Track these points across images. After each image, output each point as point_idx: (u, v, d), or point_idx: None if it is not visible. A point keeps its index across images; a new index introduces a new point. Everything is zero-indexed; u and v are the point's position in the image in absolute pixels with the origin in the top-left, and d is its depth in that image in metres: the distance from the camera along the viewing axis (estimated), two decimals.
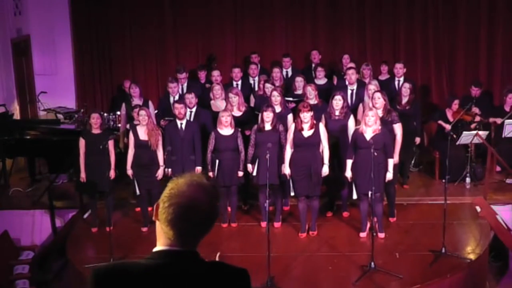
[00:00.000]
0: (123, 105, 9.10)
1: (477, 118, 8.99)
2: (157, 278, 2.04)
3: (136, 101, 8.95)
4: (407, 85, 8.80)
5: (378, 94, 7.81)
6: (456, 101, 9.06)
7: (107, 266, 2.09)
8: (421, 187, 9.09)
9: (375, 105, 7.76)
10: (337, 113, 7.84)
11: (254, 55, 10.33)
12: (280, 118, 7.89)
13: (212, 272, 2.12)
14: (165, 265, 2.06)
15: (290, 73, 10.03)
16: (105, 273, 2.04)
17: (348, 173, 7.43)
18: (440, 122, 9.07)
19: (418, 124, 8.94)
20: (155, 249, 2.12)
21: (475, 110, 9.21)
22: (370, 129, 7.26)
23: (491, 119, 9.23)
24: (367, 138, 7.22)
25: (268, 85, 8.73)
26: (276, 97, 8.10)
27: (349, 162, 7.42)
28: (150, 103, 9.07)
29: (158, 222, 2.10)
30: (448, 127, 8.88)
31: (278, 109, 8.10)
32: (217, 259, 2.38)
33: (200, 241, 2.12)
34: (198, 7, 11.35)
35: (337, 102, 7.79)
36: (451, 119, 8.98)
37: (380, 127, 7.28)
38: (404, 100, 8.71)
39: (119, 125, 9.29)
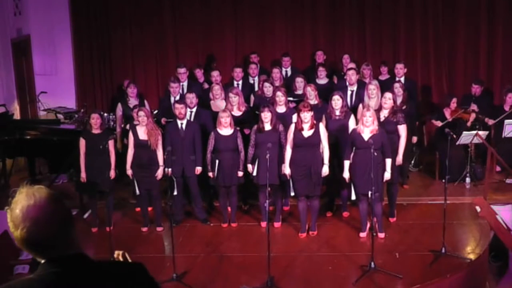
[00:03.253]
0: (119, 105, 9.11)
1: (473, 116, 8.98)
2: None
3: (133, 101, 8.96)
4: (397, 84, 8.80)
5: (389, 95, 7.80)
6: (454, 100, 9.06)
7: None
8: (421, 187, 9.10)
9: (384, 105, 7.76)
10: (337, 113, 7.84)
11: (254, 55, 10.34)
12: (284, 118, 7.89)
13: (106, 271, 2.06)
14: (57, 274, 1.95)
15: (289, 73, 10.03)
16: None
17: (346, 174, 7.43)
18: (433, 121, 9.08)
19: (414, 123, 8.92)
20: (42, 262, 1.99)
21: (473, 107, 9.21)
22: (367, 129, 7.27)
23: (486, 119, 9.23)
24: (365, 138, 7.22)
25: (267, 84, 8.73)
26: (280, 97, 8.11)
27: (346, 163, 7.42)
28: (146, 102, 9.08)
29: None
30: (439, 123, 8.89)
31: (282, 109, 8.11)
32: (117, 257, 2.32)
33: (66, 242, 1.99)
34: (198, 7, 11.35)
35: (336, 102, 7.79)
36: (449, 118, 8.99)
37: (377, 127, 7.28)
38: (399, 99, 8.71)
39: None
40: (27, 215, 1.89)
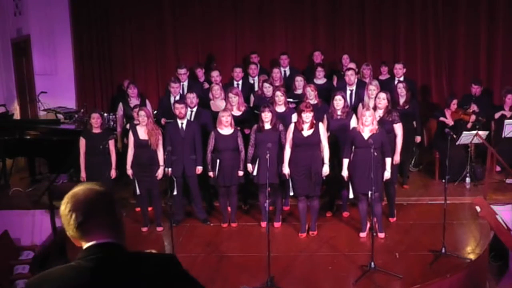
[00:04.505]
0: (120, 105, 9.11)
1: (473, 117, 8.97)
2: (88, 276, 2.09)
3: (134, 101, 8.96)
4: (401, 84, 8.82)
5: (383, 95, 7.81)
6: (455, 101, 9.06)
7: (39, 276, 2.14)
8: (421, 187, 9.10)
9: (378, 105, 7.77)
10: (339, 112, 7.85)
11: (254, 55, 10.34)
12: (283, 118, 7.89)
13: (139, 262, 2.16)
14: (96, 260, 2.11)
15: (288, 72, 10.03)
16: (37, 283, 2.11)
17: (345, 172, 7.43)
18: (442, 118, 9.06)
19: (418, 123, 8.94)
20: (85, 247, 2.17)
21: (473, 107, 9.22)
22: (367, 128, 7.27)
23: (497, 114, 9.19)
24: (364, 137, 7.23)
25: (266, 84, 8.74)
26: (279, 97, 8.11)
27: (345, 162, 7.42)
28: (147, 102, 9.09)
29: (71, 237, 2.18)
30: (450, 122, 8.88)
31: (282, 108, 8.11)
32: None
33: (110, 232, 2.16)
34: (198, 7, 11.35)
35: (338, 102, 7.80)
36: (449, 118, 8.99)
37: (377, 127, 7.29)
38: (402, 99, 8.72)
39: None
40: (76, 206, 2.13)
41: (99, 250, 2.12)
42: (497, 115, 9.25)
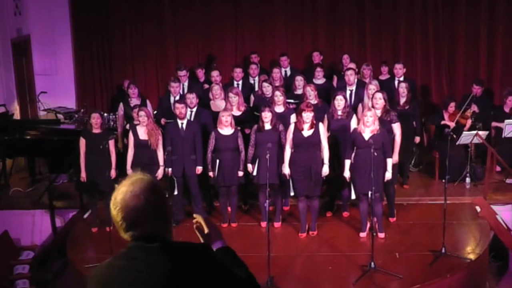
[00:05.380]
0: (121, 105, 9.11)
1: (469, 122, 8.93)
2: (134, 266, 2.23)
3: (135, 101, 8.96)
4: (403, 84, 8.81)
5: (379, 95, 7.81)
6: (452, 104, 9.04)
7: (101, 265, 2.31)
8: (421, 187, 9.09)
9: (375, 105, 7.77)
10: (339, 113, 7.85)
11: (254, 55, 10.34)
12: (282, 118, 7.89)
13: (178, 251, 2.27)
14: (141, 248, 2.24)
15: (289, 73, 10.03)
16: (99, 272, 2.28)
17: (347, 173, 7.44)
18: (444, 122, 9.04)
19: (417, 123, 8.94)
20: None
21: (474, 108, 9.21)
22: (368, 129, 7.27)
23: (494, 124, 9.21)
24: (365, 138, 7.23)
25: (265, 84, 8.74)
26: (278, 97, 8.11)
27: (347, 162, 7.42)
28: (148, 102, 9.09)
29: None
30: (452, 124, 8.87)
31: (281, 109, 8.11)
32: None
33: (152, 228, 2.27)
34: (198, 7, 11.35)
35: (339, 102, 7.80)
36: (447, 120, 8.99)
37: (378, 127, 7.29)
38: (402, 100, 8.71)
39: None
40: (123, 200, 2.24)
41: (141, 238, 2.26)
42: (493, 124, 9.22)
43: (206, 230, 2.61)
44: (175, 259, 2.22)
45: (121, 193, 2.26)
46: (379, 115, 7.71)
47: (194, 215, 2.67)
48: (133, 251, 2.26)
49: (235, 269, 2.43)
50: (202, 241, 2.58)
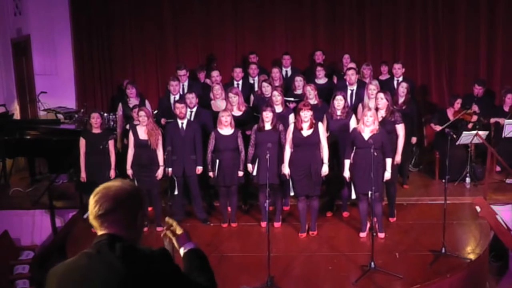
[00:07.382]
0: (120, 105, 9.11)
1: (474, 118, 8.98)
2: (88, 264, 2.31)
3: (133, 101, 8.96)
4: (404, 84, 8.81)
5: (381, 95, 7.80)
6: (459, 100, 9.05)
7: (63, 263, 2.38)
8: (421, 187, 9.09)
9: (378, 105, 7.76)
10: (338, 113, 7.85)
11: (252, 55, 10.33)
12: (281, 118, 7.89)
13: (140, 257, 2.32)
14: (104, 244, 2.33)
15: (289, 73, 10.03)
16: (59, 268, 2.35)
17: (347, 173, 7.44)
18: (431, 125, 9.09)
19: (414, 124, 8.93)
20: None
21: (474, 108, 9.21)
22: (368, 129, 7.27)
23: (493, 120, 9.22)
24: (365, 137, 7.23)
25: (265, 84, 8.74)
26: (276, 97, 8.11)
27: (347, 162, 7.42)
28: (147, 102, 9.08)
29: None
30: (438, 128, 8.91)
31: (279, 109, 8.11)
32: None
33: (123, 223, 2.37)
34: (198, 7, 11.35)
35: (339, 102, 7.80)
36: (451, 118, 8.98)
37: (378, 127, 7.29)
38: (401, 100, 8.71)
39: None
40: (106, 188, 2.38)
41: (105, 239, 2.34)
42: (492, 120, 9.23)
43: (179, 231, 2.62)
44: (135, 264, 2.27)
45: (107, 184, 2.40)
46: (383, 115, 7.70)
47: (166, 219, 2.70)
48: (95, 251, 2.32)
49: (199, 274, 2.51)
50: (174, 241, 2.60)
